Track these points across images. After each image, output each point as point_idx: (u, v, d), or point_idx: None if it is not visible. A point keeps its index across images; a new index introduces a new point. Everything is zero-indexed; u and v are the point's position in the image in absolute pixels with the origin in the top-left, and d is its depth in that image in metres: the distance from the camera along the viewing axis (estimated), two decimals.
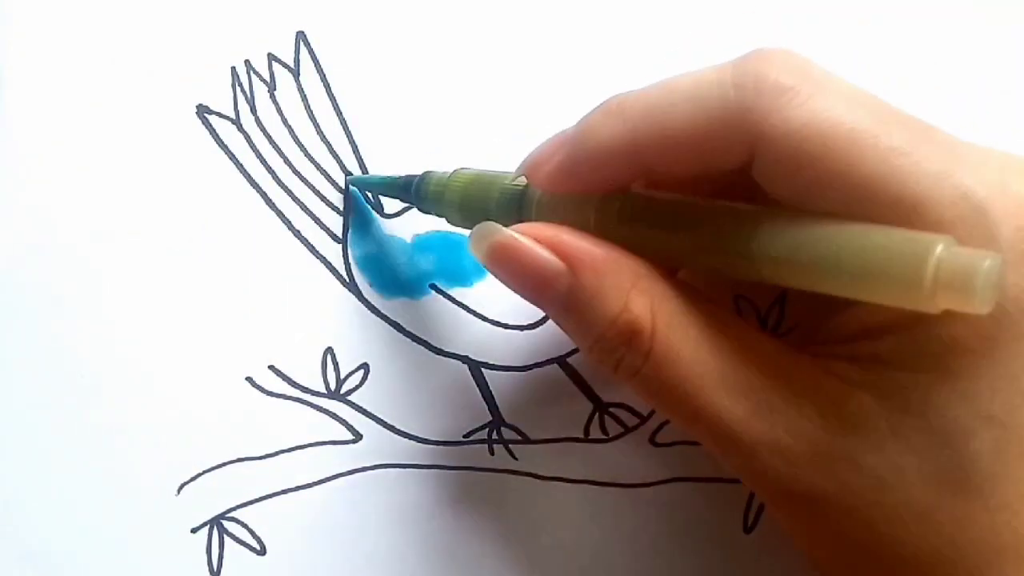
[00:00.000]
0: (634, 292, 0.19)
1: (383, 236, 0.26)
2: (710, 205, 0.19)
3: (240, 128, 0.26)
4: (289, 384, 0.26)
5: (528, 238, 0.19)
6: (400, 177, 0.25)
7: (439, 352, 0.26)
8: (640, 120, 0.19)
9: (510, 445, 0.26)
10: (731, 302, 0.24)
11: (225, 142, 0.26)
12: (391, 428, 0.26)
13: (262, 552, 0.26)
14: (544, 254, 0.19)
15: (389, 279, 0.26)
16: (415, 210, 0.26)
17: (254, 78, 0.27)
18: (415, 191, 0.24)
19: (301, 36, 0.27)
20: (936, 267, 0.15)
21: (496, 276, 0.20)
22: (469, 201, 0.22)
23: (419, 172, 0.24)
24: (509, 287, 0.20)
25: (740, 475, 0.19)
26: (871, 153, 0.17)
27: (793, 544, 0.21)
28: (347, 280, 0.26)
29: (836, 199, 0.17)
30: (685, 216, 0.19)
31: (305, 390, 0.26)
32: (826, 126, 0.17)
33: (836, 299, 0.17)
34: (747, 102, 0.18)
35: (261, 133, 0.26)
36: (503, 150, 0.26)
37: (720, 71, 0.18)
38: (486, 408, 0.26)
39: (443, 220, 0.24)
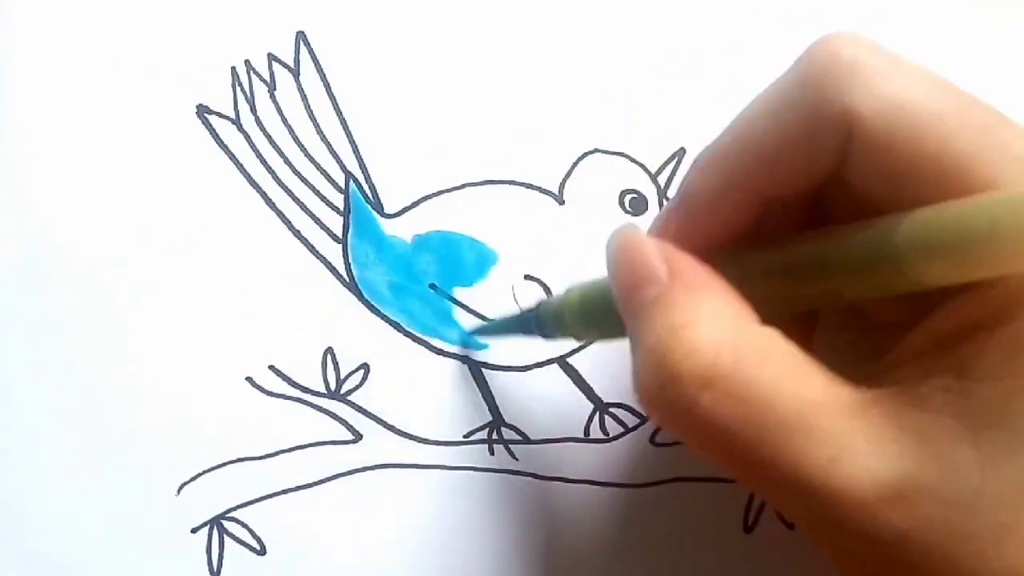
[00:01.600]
0: (710, 316, 0.18)
1: (383, 236, 0.26)
2: (832, 228, 0.18)
3: (240, 128, 0.26)
4: (289, 384, 0.26)
5: (658, 241, 0.19)
6: (515, 316, 0.25)
7: (439, 352, 0.26)
8: (730, 156, 0.19)
9: (510, 445, 0.26)
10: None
11: (225, 142, 0.26)
12: (391, 428, 0.26)
13: (262, 552, 0.26)
14: (656, 260, 0.19)
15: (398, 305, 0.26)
16: (415, 210, 0.26)
17: (254, 78, 0.27)
18: (536, 321, 0.23)
19: (301, 36, 0.27)
20: None
21: (609, 274, 0.20)
22: (589, 316, 0.22)
23: (533, 304, 0.24)
24: (613, 282, 0.20)
25: (811, 525, 0.18)
26: (962, 133, 0.16)
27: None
28: (347, 280, 0.26)
29: (930, 182, 0.16)
30: (810, 238, 0.18)
31: (305, 390, 0.26)
32: (912, 104, 0.17)
33: (907, 316, 0.17)
34: (830, 88, 0.17)
35: (261, 133, 0.26)
36: (503, 150, 0.26)
37: (787, 73, 0.18)
38: (486, 408, 0.26)
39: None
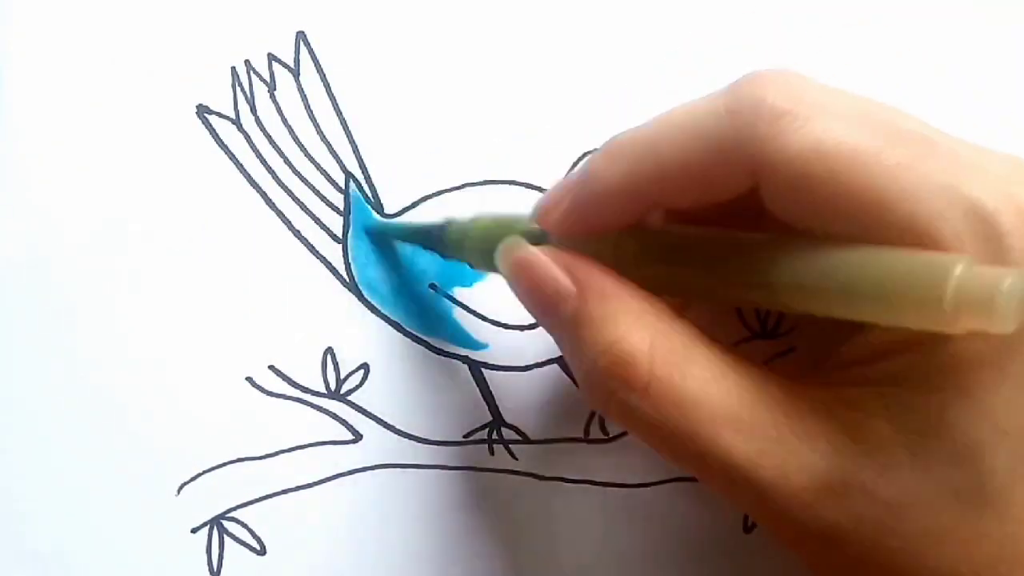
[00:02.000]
0: (636, 325, 0.19)
1: (383, 236, 0.26)
2: (725, 237, 0.19)
3: (240, 128, 0.26)
4: (289, 384, 0.26)
5: (548, 258, 0.20)
6: (421, 225, 0.25)
7: (439, 352, 0.26)
8: (638, 158, 0.19)
9: (510, 445, 0.26)
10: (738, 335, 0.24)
11: (225, 142, 0.26)
12: (391, 428, 0.26)
13: (262, 552, 0.26)
14: (559, 275, 0.19)
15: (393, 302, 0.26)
16: (416, 209, 0.26)
17: (254, 78, 0.27)
18: (437, 239, 0.24)
19: (301, 36, 0.27)
20: (956, 288, 0.15)
21: (514, 290, 0.21)
22: (490, 247, 0.22)
23: (439, 220, 0.24)
24: (524, 303, 0.21)
25: (751, 514, 0.19)
26: (877, 171, 0.16)
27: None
28: (347, 280, 0.26)
29: (845, 220, 0.17)
30: (700, 250, 0.19)
31: (305, 390, 0.26)
32: (828, 147, 0.17)
33: (846, 323, 0.17)
34: (744, 130, 0.17)
35: (261, 133, 0.26)
36: (504, 150, 0.26)
37: (713, 99, 0.18)
38: (486, 408, 0.26)
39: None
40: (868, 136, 0.17)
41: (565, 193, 0.20)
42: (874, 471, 0.17)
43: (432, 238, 0.24)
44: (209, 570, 0.26)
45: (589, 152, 0.26)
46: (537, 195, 0.26)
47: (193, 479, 0.26)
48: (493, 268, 0.22)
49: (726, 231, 0.19)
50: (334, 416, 0.26)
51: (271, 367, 0.26)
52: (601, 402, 0.19)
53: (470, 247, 0.23)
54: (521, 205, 0.26)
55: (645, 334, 0.18)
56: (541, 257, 0.20)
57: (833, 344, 0.19)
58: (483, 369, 0.26)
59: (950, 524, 0.17)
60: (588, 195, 0.20)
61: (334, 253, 0.26)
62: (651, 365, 0.18)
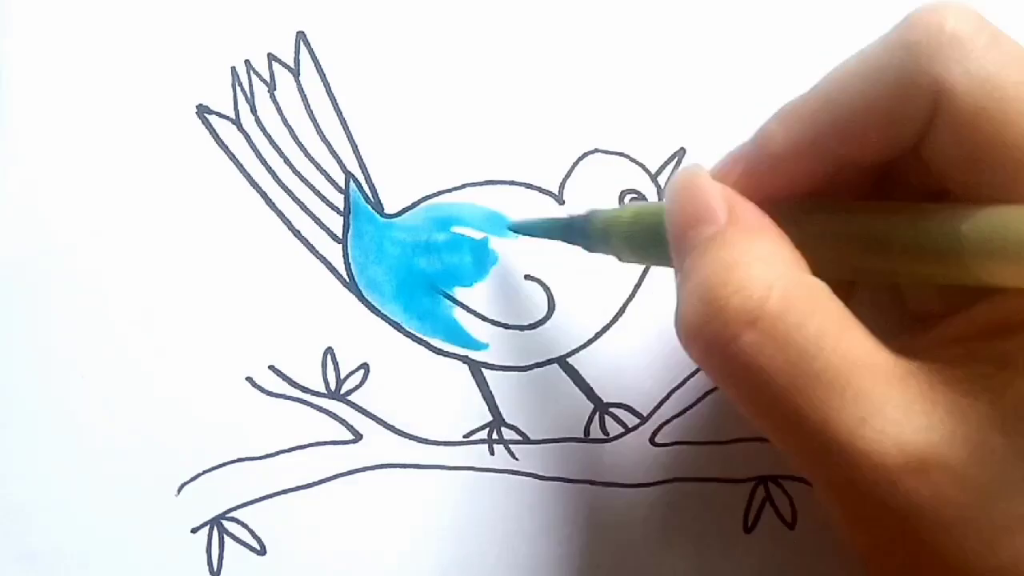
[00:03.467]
0: (766, 261, 0.17)
1: (383, 236, 0.26)
2: (904, 205, 0.18)
3: (240, 128, 0.26)
4: (289, 384, 0.26)
5: (720, 184, 0.19)
6: (563, 219, 0.24)
7: (439, 352, 0.26)
8: (816, 112, 0.18)
9: (510, 445, 0.26)
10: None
11: (225, 142, 0.26)
12: (391, 428, 0.26)
13: (262, 552, 0.26)
14: (718, 201, 0.18)
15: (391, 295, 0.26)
16: (416, 210, 0.26)
17: (254, 78, 0.27)
18: (580, 231, 0.23)
19: (301, 36, 0.27)
20: None
21: (667, 210, 0.20)
22: (638, 236, 0.21)
23: (583, 211, 0.23)
24: (670, 221, 0.19)
25: (828, 484, 0.18)
26: None
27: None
28: (347, 280, 0.26)
29: (1011, 168, 0.16)
30: (881, 211, 0.18)
31: (305, 390, 0.26)
32: (1008, 83, 0.16)
33: (957, 297, 0.16)
34: (924, 57, 0.17)
35: (261, 133, 0.26)
36: (503, 150, 0.26)
37: (887, 35, 0.18)
38: (486, 408, 0.26)
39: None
40: None
41: (736, 161, 0.20)
42: (968, 454, 0.16)
43: (574, 231, 0.23)
44: (209, 570, 0.26)
45: (589, 152, 0.26)
46: (537, 195, 0.26)
47: (193, 479, 0.26)
48: (641, 259, 0.21)
49: (901, 202, 0.18)
50: (334, 416, 0.26)
51: (271, 367, 0.26)
52: (696, 327, 0.18)
53: (617, 237, 0.22)
54: (521, 205, 0.26)
55: (772, 270, 0.17)
56: (709, 180, 0.19)
57: (939, 319, 0.19)
58: (483, 369, 0.26)
59: None
60: (762, 161, 0.19)
61: (334, 253, 0.26)
62: (767, 298, 0.17)
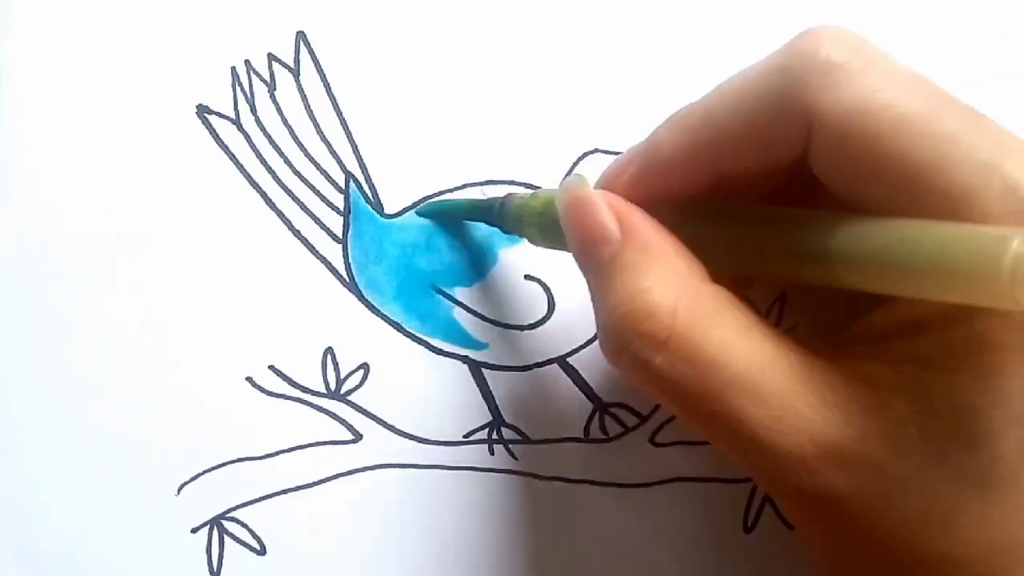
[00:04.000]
0: (667, 279, 0.18)
1: (383, 236, 0.26)
2: (783, 211, 0.19)
3: (240, 128, 0.26)
4: (289, 384, 0.26)
5: (605, 202, 0.20)
6: (481, 201, 0.25)
7: (439, 352, 0.26)
8: (697, 124, 0.19)
9: (510, 445, 0.26)
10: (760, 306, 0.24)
11: (225, 142, 0.26)
12: (391, 428, 0.26)
13: (262, 552, 0.26)
14: (609, 218, 0.19)
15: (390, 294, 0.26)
16: (416, 211, 0.26)
17: (254, 78, 0.27)
18: (497, 213, 0.24)
19: (301, 36, 0.27)
20: (1014, 261, 0.14)
21: (564, 228, 0.21)
22: (548, 220, 0.22)
23: (501, 196, 0.24)
24: (569, 241, 0.20)
25: (755, 478, 0.19)
26: (923, 140, 0.16)
27: (801, 544, 0.21)
28: (347, 280, 0.26)
29: (887, 185, 0.17)
30: (758, 219, 0.19)
31: (305, 390, 0.26)
32: (878, 107, 0.17)
33: (864, 298, 0.17)
34: (798, 83, 0.17)
35: (261, 133, 0.26)
36: (503, 150, 0.26)
37: (767, 59, 0.18)
38: (486, 408, 0.26)
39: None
40: (918, 102, 0.17)
41: (629, 162, 0.21)
42: (884, 446, 0.17)
43: (492, 212, 0.24)
44: (209, 570, 0.26)
45: (589, 152, 0.26)
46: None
47: (193, 479, 0.26)
48: (551, 243, 0.22)
49: (784, 207, 0.19)
50: (334, 416, 0.26)
51: (271, 367, 0.26)
52: (616, 353, 0.19)
53: (529, 221, 0.23)
54: None
55: (673, 289, 0.18)
56: (597, 198, 0.20)
57: (850, 319, 0.19)
58: (483, 369, 0.26)
59: (954, 506, 0.17)
60: (652, 163, 0.20)
61: (334, 253, 0.26)
62: (673, 320, 0.18)
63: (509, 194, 0.24)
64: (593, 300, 0.20)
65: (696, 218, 0.20)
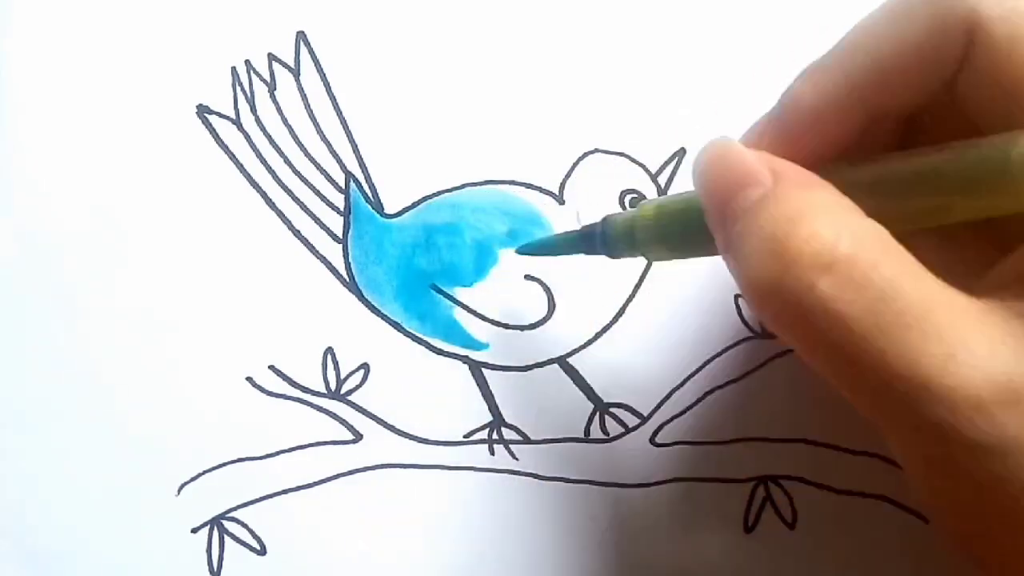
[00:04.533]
0: (827, 210, 0.17)
1: (383, 236, 0.26)
2: (938, 148, 0.17)
3: (240, 128, 0.26)
4: (289, 384, 0.26)
5: (750, 149, 0.18)
6: (577, 231, 0.23)
7: (439, 352, 0.26)
8: (848, 63, 0.18)
9: (510, 445, 0.26)
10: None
11: (225, 142, 0.26)
12: (391, 428, 0.26)
13: (262, 552, 0.26)
14: (757, 163, 0.18)
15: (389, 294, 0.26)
16: (416, 211, 0.26)
17: (254, 78, 0.27)
18: (600, 240, 0.22)
19: (301, 36, 0.27)
20: None
21: (698, 186, 0.19)
22: (667, 229, 0.21)
23: (595, 221, 0.22)
24: (704, 199, 0.19)
25: (913, 428, 0.17)
26: None
27: (939, 517, 0.19)
28: (347, 280, 0.26)
29: None
30: (919, 160, 0.18)
31: (305, 390, 0.26)
32: None
33: (1011, 237, 0.16)
34: None
35: (261, 133, 0.26)
36: (503, 150, 0.26)
37: None
38: (486, 408, 0.26)
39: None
40: None
41: (764, 127, 0.20)
42: None
43: (592, 240, 0.22)
44: (209, 570, 0.26)
45: (590, 152, 0.26)
46: (537, 195, 0.26)
47: (193, 479, 0.26)
48: (673, 251, 0.21)
49: (936, 146, 0.18)
50: (334, 416, 0.26)
51: (271, 367, 0.26)
52: (769, 289, 0.17)
53: (643, 235, 0.21)
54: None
55: (842, 223, 0.17)
56: (740, 146, 0.19)
57: (985, 263, 0.19)
58: (483, 369, 0.26)
59: None
60: (791, 124, 0.19)
61: (334, 253, 0.26)
62: (836, 245, 0.16)
63: (605, 217, 0.22)
64: (731, 249, 0.18)
65: (854, 167, 0.18)
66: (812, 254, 0.16)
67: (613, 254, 0.22)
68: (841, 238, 0.17)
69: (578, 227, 0.23)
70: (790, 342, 0.18)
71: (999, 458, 0.16)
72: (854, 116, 0.19)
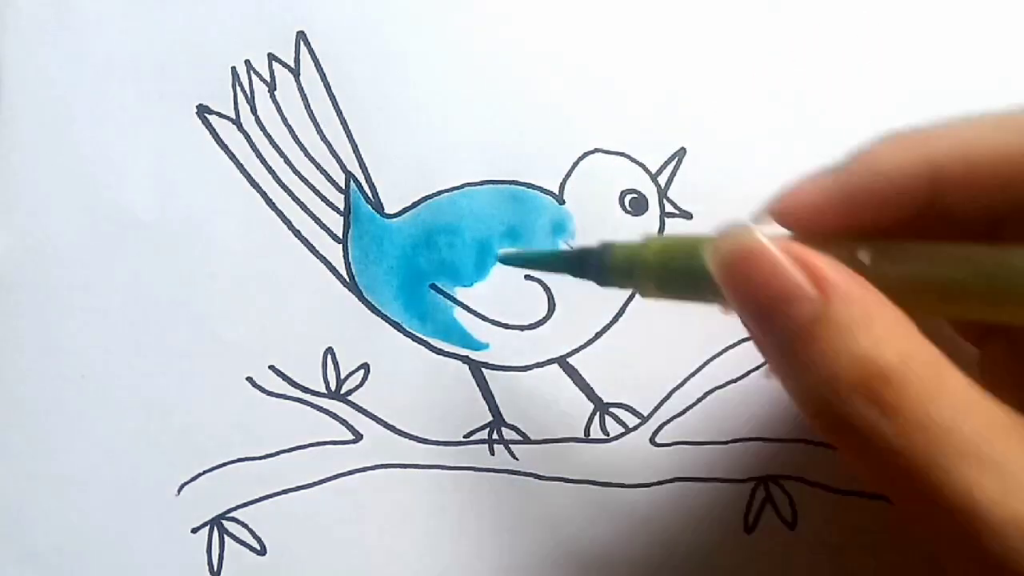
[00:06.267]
0: (890, 336, 0.17)
1: (383, 236, 0.26)
2: (987, 245, 0.17)
3: (240, 128, 0.26)
4: (289, 384, 0.26)
5: (781, 250, 0.17)
6: (571, 250, 0.22)
7: (439, 352, 0.26)
8: (942, 148, 0.18)
9: (510, 445, 0.26)
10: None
11: (225, 142, 0.26)
12: (391, 428, 0.26)
13: (262, 552, 0.26)
14: (794, 271, 0.17)
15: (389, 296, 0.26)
16: (416, 211, 0.26)
17: (254, 78, 0.27)
18: (595, 266, 0.21)
19: (301, 36, 0.27)
20: None
21: (725, 286, 0.18)
22: (671, 274, 0.19)
23: (593, 245, 0.21)
24: (739, 302, 0.18)
25: (970, 557, 0.17)
26: None
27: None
28: (347, 280, 0.26)
29: None
30: (959, 256, 0.17)
31: (305, 390, 0.26)
32: None
33: None
34: None
35: (261, 133, 0.26)
36: (503, 150, 0.26)
37: None
38: (486, 408, 0.26)
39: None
40: None
41: (822, 183, 0.19)
42: None
43: (587, 265, 0.21)
44: (209, 570, 0.26)
45: (589, 152, 0.26)
46: (538, 195, 0.26)
47: (193, 479, 0.26)
48: (670, 296, 0.20)
49: (984, 242, 0.17)
50: (334, 416, 0.26)
51: (271, 367, 0.26)
52: (836, 421, 0.17)
53: (644, 272, 0.20)
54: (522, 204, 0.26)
55: (899, 347, 0.16)
56: (773, 249, 0.17)
57: None
58: (483, 369, 0.26)
59: None
60: (867, 182, 0.18)
61: (334, 253, 0.26)
62: (903, 383, 0.16)
63: (606, 243, 0.21)
64: (782, 367, 0.18)
65: (908, 254, 0.18)
66: (879, 399, 0.16)
67: (603, 282, 0.21)
68: (907, 376, 0.16)
69: (564, 246, 0.22)
70: (846, 456, 0.18)
71: None
72: (921, 203, 0.18)
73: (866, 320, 0.17)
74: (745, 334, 0.19)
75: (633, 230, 0.26)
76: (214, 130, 0.26)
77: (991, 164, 0.18)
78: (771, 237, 0.18)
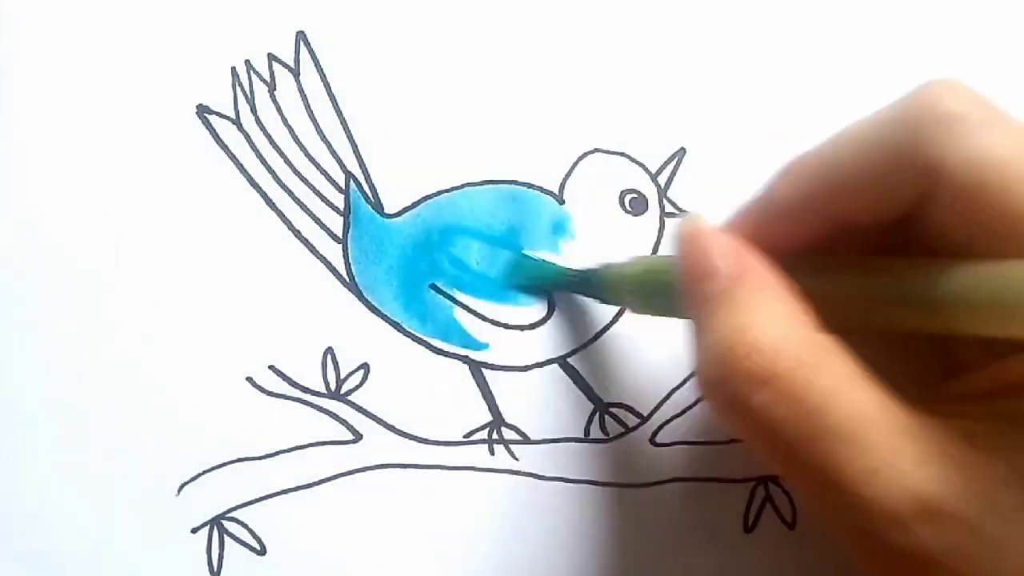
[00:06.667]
0: (774, 319, 0.18)
1: (383, 236, 0.26)
2: (897, 260, 0.19)
3: (240, 128, 0.26)
4: (289, 384, 0.26)
5: (721, 238, 0.20)
6: (574, 271, 0.25)
7: (439, 352, 0.26)
8: (813, 171, 0.19)
9: (510, 445, 0.26)
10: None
11: (225, 142, 0.26)
12: (391, 428, 0.26)
13: (262, 552, 0.26)
14: (722, 254, 0.19)
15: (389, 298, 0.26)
16: (416, 211, 0.26)
17: (254, 78, 0.27)
18: (595, 285, 0.24)
19: (301, 36, 0.27)
20: None
21: (678, 256, 0.20)
22: (648, 288, 0.22)
23: (594, 266, 0.24)
24: (680, 271, 0.20)
25: (845, 532, 0.18)
26: None
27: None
28: (347, 280, 0.26)
29: (1010, 236, 0.17)
30: (871, 269, 0.19)
31: (305, 390, 0.26)
32: (1005, 159, 0.17)
33: (965, 355, 0.17)
34: (920, 134, 0.18)
35: (261, 133, 0.26)
36: (503, 150, 0.26)
37: (886, 109, 0.18)
38: (486, 408, 0.26)
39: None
40: None
41: (747, 213, 0.21)
42: (981, 507, 0.17)
43: (588, 284, 0.24)
44: (209, 570, 0.26)
45: (589, 152, 0.26)
46: (538, 195, 0.26)
47: (193, 479, 0.26)
48: (652, 311, 0.22)
49: (896, 257, 0.19)
50: (334, 416, 0.26)
51: (271, 367, 0.26)
52: (713, 387, 0.19)
53: (628, 290, 0.23)
54: (522, 204, 0.26)
55: (780, 330, 0.18)
56: (714, 233, 0.20)
57: (953, 375, 0.19)
58: (483, 369, 0.26)
59: None
60: (768, 211, 0.20)
61: (334, 253, 0.26)
62: (776, 359, 0.18)
63: (601, 264, 0.24)
64: (693, 335, 0.20)
65: (808, 269, 0.20)
66: (751, 367, 0.18)
67: (603, 300, 0.24)
68: (781, 353, 0.18)
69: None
70: (734, 434, 0.19)
71: (922, 570, 0.17)
72: (821, 221, 0.20)
73: (759, 301, 0.18)
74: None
75: (633, 230, 0.26)
76: (214, 130, 0.26)
77: (855, 184, 0.19)
78: (716, 226, 0.20)
